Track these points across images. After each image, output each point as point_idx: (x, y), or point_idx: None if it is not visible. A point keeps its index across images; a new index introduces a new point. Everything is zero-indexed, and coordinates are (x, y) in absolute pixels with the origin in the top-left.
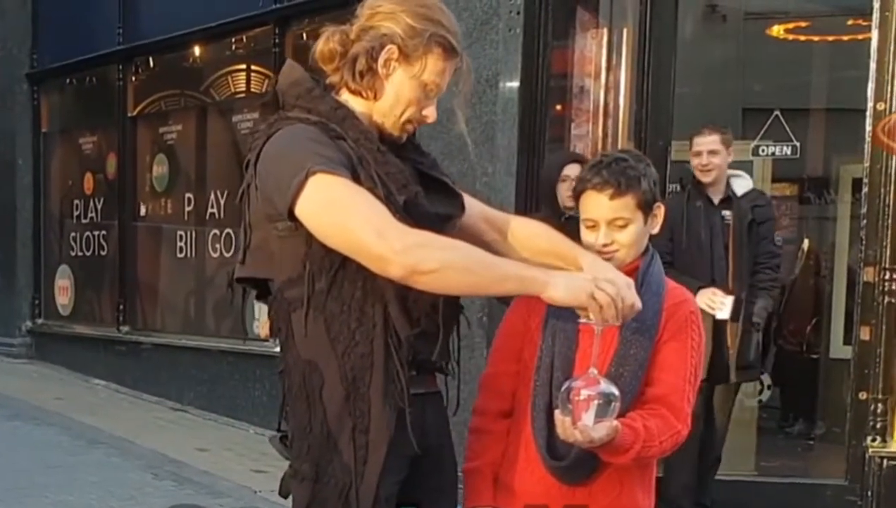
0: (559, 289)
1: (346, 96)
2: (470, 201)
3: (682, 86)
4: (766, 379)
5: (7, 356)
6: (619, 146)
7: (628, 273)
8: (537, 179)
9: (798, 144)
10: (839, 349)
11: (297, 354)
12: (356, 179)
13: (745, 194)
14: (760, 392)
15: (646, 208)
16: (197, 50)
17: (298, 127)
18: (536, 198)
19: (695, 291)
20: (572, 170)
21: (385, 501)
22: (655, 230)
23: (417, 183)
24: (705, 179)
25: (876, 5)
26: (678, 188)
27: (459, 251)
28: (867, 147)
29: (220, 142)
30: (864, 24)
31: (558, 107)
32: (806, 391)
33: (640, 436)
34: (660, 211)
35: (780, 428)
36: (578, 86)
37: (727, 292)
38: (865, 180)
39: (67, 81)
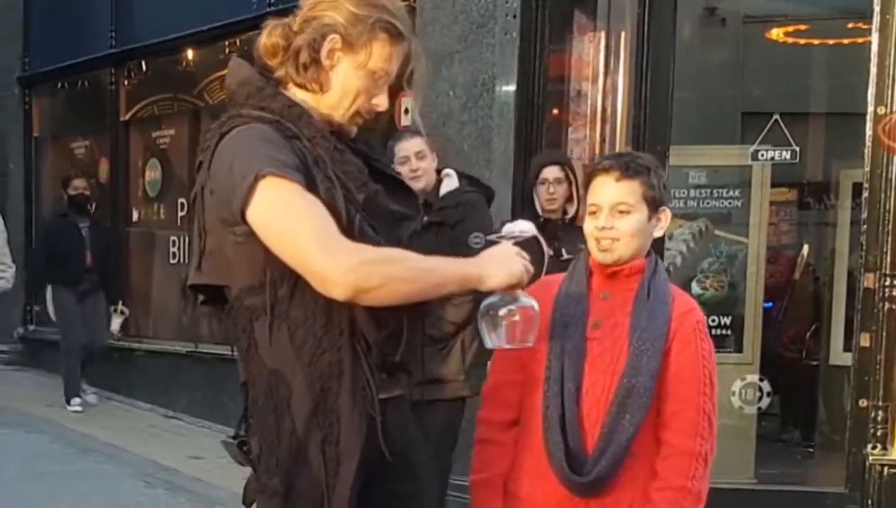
0: (497, 276)
1: (293, 91)
2: None
3: (680, 90)
4: (766, 386)
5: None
6: (617, 150)
7: (631, 276)
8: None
9: (798, 148)
10: (839, 356)
11: (262, 364)
12: (311, 180)
13: (447, 196)
14: (760, 400)
15: (651, 202)
16: (190, 54)
17: (252, 126)
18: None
19: None
20: (550, 172)
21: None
22: (658, 233)
23: (373, 181)
24: (418, 185)
25: (876, 8)
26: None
27: (401, 263)
28: (867, 152)
29: None
30: (865, 27)
31: (555, 111)
32: (805, 398)
33: (679, 497)
34: (665, 215)
35: (780, 436)
36: (576, 90)
37: None
38: (866, 185)
39: (59, 85)
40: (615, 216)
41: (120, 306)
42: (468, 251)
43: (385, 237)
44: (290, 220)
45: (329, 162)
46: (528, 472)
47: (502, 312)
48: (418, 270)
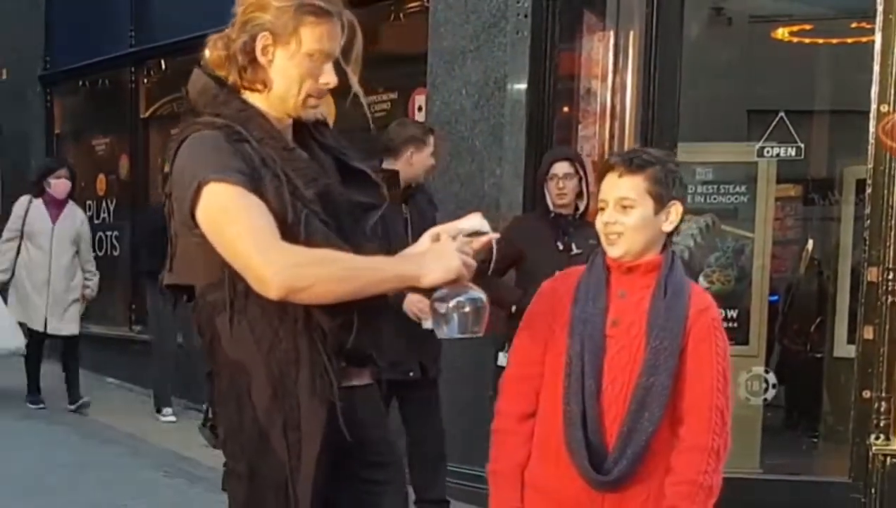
0: (435, 273)
1: (246, 95)
2: None
3: (687, 88)
4: (772, 378)
5: (20, 356)
6: (626, 147)
7: (648, 274)
8: (540, 180)
9: (802, 145)
10: (843, 349)
11: (225, 356)
12: (259, 180)
13: (417, 189)
14: (765, 391)
15: (657, 197)
16: (206, 54)
17: (203, 134)
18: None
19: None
20: (560, 168)
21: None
22: (668, 228)
23: (337, 173)
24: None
25: (879, 8)
26: None
27: (334, 264)
28: (871, 149)
29: None
30: (868, 26)
31: (565, 109)
32: (810, 389)
33: (692, 492)
34: (675, 208)
35: (785, 427)
36: (585, 88)
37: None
38: (869, 182)
39: (80, 83)
40: (619, 211)
41: None
42: None
43: (343, 228)
44: (229, 223)
45: (278, 161)
46: (547, 465)
47: (452, 303)
48: (351, 270)
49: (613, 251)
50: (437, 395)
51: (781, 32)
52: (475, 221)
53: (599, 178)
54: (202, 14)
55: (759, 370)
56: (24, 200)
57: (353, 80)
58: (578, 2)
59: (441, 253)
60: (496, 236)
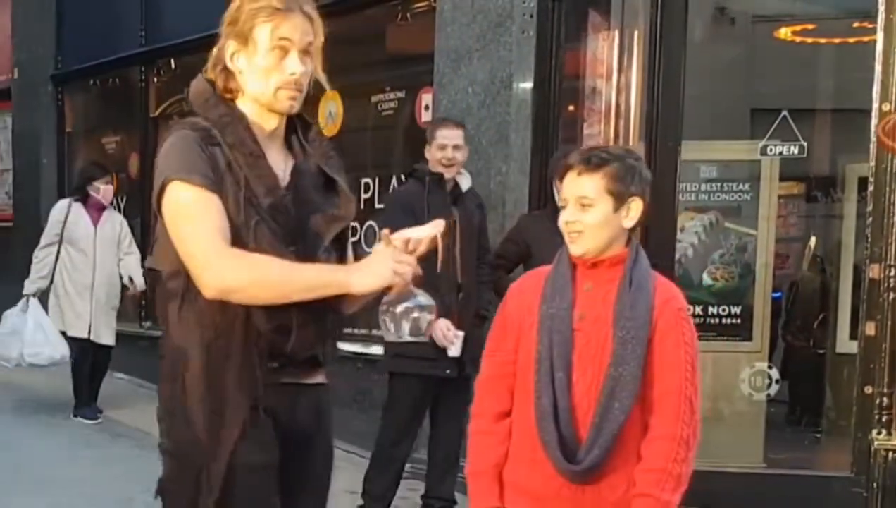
0: (365, 279)
1: (238, 101)
2: None
3: (691, 87)
4: (775, 374)
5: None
6: (630, 145)
7: (612, 267)
8: (550, 178)
9: (805, 143)
10: (845, 345)
11: (171, 341)
12: (221, 183)
13: (468, 192)
14: (769, 386)
15: (615, 194)
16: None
17: (180, 134)
18: (549, 197)
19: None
20: None
21: (248, 476)
22: (629, 224)
23: (321, 183)
24: (448, 173)
25: (881, 8)
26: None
27: (268, 270)
28: (872, 147)
29: None
30: (870, 26)
31: (571, 107)
32: (813, 385)
33: (661, 479)
34: (635, 204)
35: (788, 422)
36: (590, 87)
37: (457, 285)
38: (871, 179)
39: (91, 82)
40: (579, 210)
41: None
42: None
43: (294, 238)
44: (183, 221)
45: (244, 167)
46: (524, 461)
47: (398, 309)
48: (283, 276)
49: (574, 250)
50: (468, 398)
51: (784, 32)
52: (428, 229)
53: (560, 177)
54: (212, 14)
55: (763, 365)
56: (62, 204)
57: (318, 69)
58: (583, 2)
59: (374, 261)
60: (440, 228)
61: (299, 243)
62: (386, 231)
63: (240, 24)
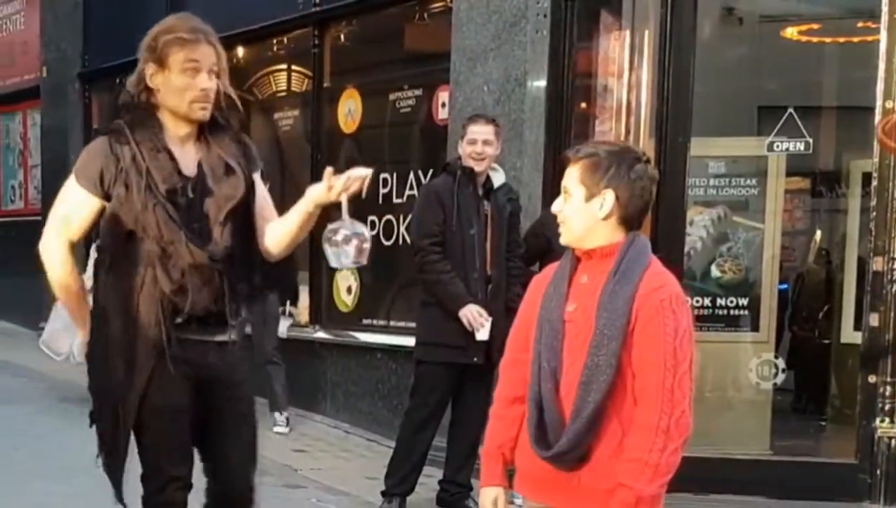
0: (313, 191)
1: (159, 113)
2: (262, 202)
3: (700, 85)
4: (781, 363)
5: None
6: (641, 143)
7: (604, 259)
8: (563, 173)
9: (811, 140)
10: (850, 335)
11: (98, 302)
12: (126, 174)
13: (500, 187)
14: (775, 376)
15: (587, 184)
16: (240, 51)
17: (97, 140)
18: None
19: (461, 305)
20: None
21: (158, 415)
22: (601, 215)
23: (223, 171)
24: (478, 167)
25: (884, 8)
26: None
27: (51, 268)
28: (876, 143)
29: (263, 138)
30: (874, 26)
31: (583, 105)
32: (818, 374)
33: (636, 469)
34: (607, 194)
35: (794, 410)
36: (602, 85)
37: (486, 277)
38: (874, 175)
39: (117, 80)
40: (564, 200)
41: (289, 308)
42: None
43: (186, 217)
44: (57, 200)
45: (146, 159)
46: (523, 446)
47: (339, 236)
48: (55, 280)
49: (563, 238)
50: (492, 385)
51: (790, 32)
52: (362, 171)
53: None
54: (233, 15)
55: (769, 355)
56: None
57: (227, 86)
58: (596, 3)
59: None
60: (369, 173)
61: (195, 222)
62: (329, 169)
63: (157, 51)
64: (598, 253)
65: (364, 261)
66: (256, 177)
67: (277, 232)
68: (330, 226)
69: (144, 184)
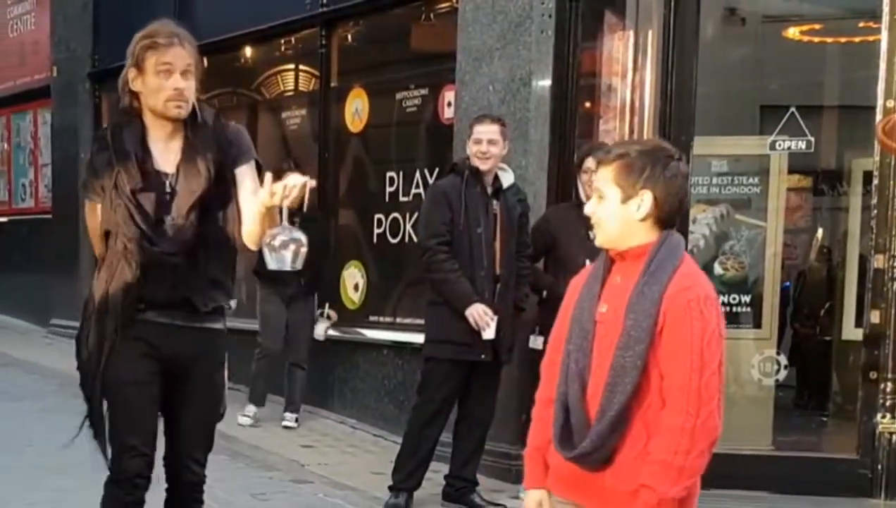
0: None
1: (143, 115)
2: (248, 194)
3: (703, 85)
4: (783, 360)
5: (72, 339)
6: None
7: (637, 259)
8: (567, 172)
9: (812, 139)
10: (851, 332)
11: (90, 290)
12: (111, 166)
13: (509, 187)
14: (777, 372)
15: (623, 186)
16: (248, 51)
17: (91, 147)
18: (567, 190)
19: (467, 304)
20: (593, 162)
21: (121, 387)
22: (639, 216)
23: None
24: (483, 166)
25: (885, 9)
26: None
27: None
28: (877, 143)
29: (270, 137)
30: (875, 26)
31: (587, 104)
32: (820, 371)
33: (660, 471)
34: (644, 195)
35: (796, 406)
36: (606, 85)
37: (494, 276)
38: (875, 173)
39: None
40: (597, 202)
41: (327, 310)
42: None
43: (158, 213)
44: None
45: (117, 163)
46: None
47: (277, 241)
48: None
49: (597, 240)
50: (499, 382)
51: (792, 32)
52: (300, 178)
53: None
54: (242, 14)
55: (772, 352)
56: None
57: (192, 87)
58: (600, 3)
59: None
60: (309, 180)
61: (169, 215)
62: (269, 174)
63: (135, 56)
64: (631, 254)
65: (300, 265)
66: (246, 169)
67: (245, 227)
68: (269, 231)
69: (112, 185)
